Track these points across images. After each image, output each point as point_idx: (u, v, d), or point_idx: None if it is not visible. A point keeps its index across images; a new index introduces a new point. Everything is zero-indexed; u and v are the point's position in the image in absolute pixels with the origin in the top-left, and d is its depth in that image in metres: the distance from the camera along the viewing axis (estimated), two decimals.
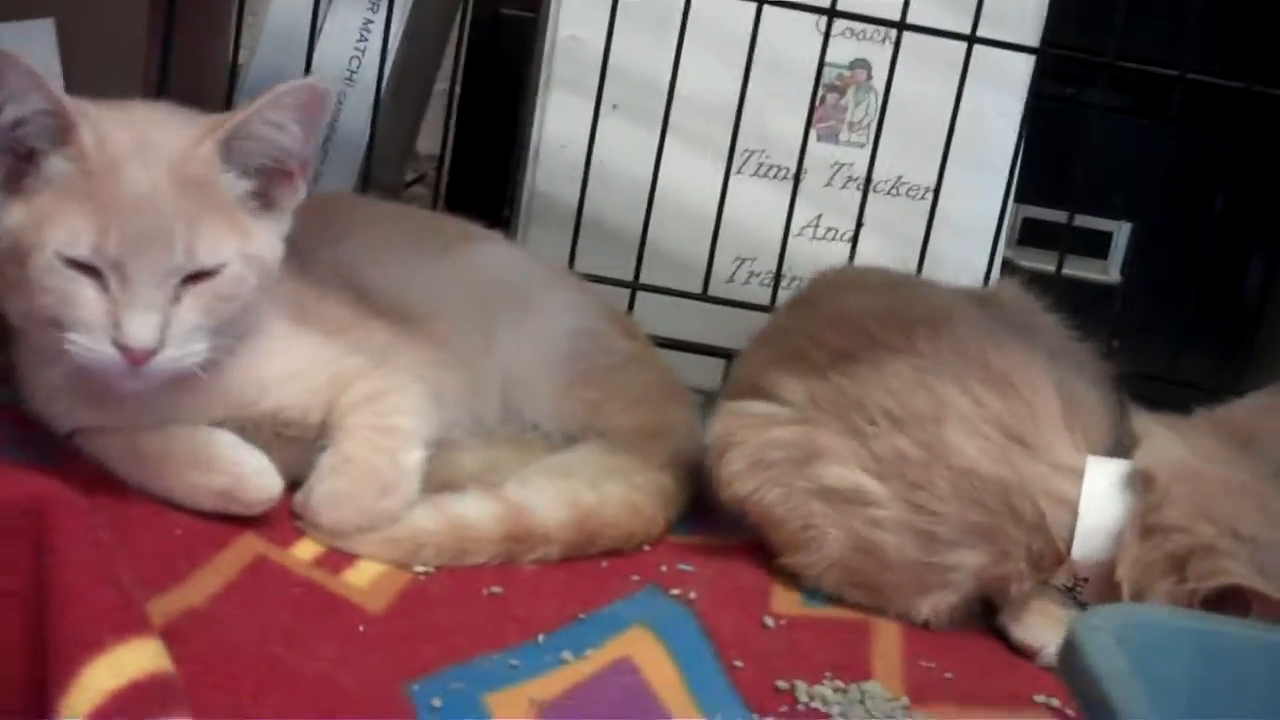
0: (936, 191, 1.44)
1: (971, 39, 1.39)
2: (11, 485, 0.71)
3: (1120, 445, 1.02)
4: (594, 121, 1.41)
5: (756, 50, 1.40)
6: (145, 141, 0.93)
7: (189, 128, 0.96)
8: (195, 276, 0.92)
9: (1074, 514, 0.98)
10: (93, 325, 0.89)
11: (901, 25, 1.39)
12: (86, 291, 0.90)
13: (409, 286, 1.11)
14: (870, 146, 1.45)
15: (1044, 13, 1.49)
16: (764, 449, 1.05)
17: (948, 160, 1.44)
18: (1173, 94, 1.43)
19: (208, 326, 0.92)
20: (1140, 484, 0.97)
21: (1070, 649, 0.67)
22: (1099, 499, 0.98)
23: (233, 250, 0.93)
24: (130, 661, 0.66)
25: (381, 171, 1.60)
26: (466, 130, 1.66)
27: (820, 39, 1.41)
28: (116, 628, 0.67)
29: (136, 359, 0.89)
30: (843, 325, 1.07)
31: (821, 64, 1.41)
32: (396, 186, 1.73)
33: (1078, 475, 0.98)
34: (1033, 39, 1.48)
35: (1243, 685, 0.73)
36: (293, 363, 0.99)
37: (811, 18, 1.42)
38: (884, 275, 1.23)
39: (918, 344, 1.04)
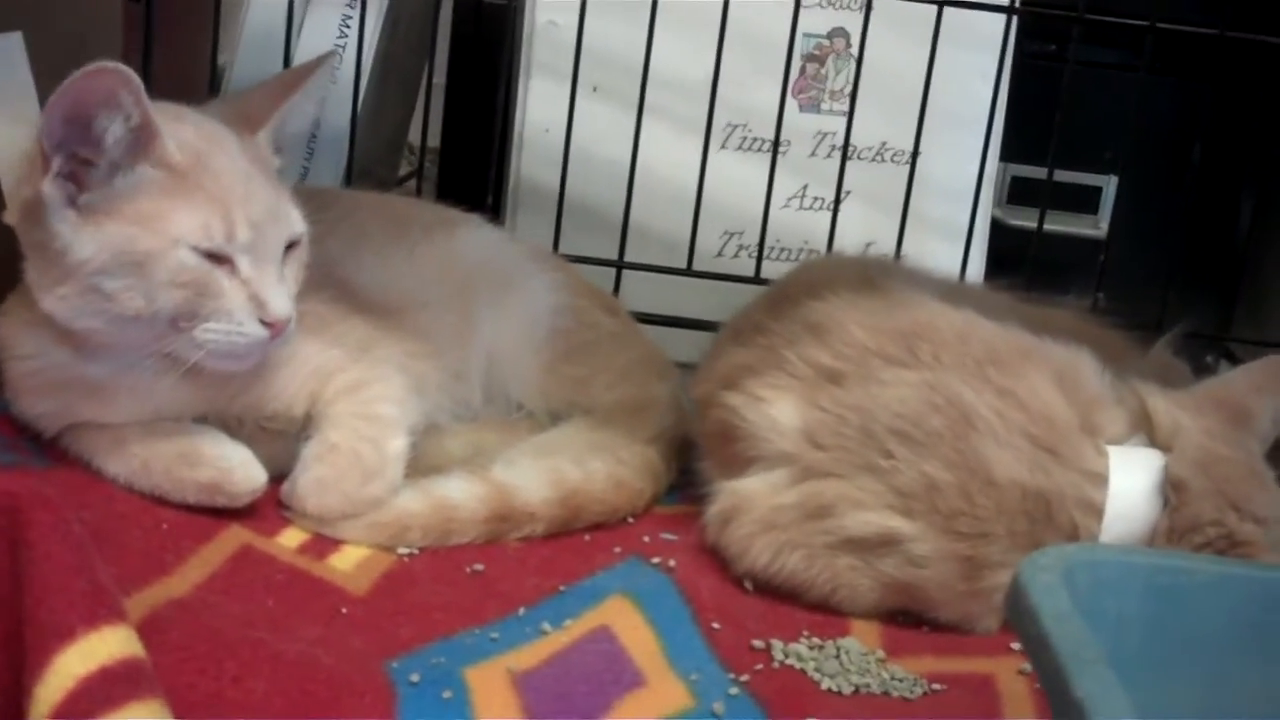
0: (914, 156, 1.45)
1: (942, 1, 1.40)
2: None
3: (1138, 429, 0.99)
4: (571, 104, 1.42)
5: (735, 25, 1.41)
6: (212, 136, 0.98)
7: (221, 118, 1.01)
8: (289, 247, 0.98)
9: (1101, 522, 0.94)
10: (235, 309, 0.94)
11: None
12: (223, 280, 0.94)
13: (388, 277, 1.13)
14: (847, 115, 1.45)
15: None
16: (772, 513, 0.98)
17: (931, 124, 1.44)
18: (1144, 44, 1.43)
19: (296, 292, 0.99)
20: (1171, 489, 0.94)
21: (1015, 589, 0.68)
22: (1127, 504, 0.94)
23: (303, 220, 1.00)
24: (100, 648, 0.68)
25: (374, 166, 1.61)
26: (456, 121, 1.67)
27: (793, 9, 1.42)
28: (87, 616, 0.69)
29: (279, 329, 0.95)
30: (826, 337, 1.01)
31: (794, 35, 1.42)
32: (390, 180, 1.75)
33: (1104, 481, 0.95)
34: None
35: (1200, 620, 0.73)
36: (275, 357, 1.01)
37: None
38: (858, 268, 1.15)
39: (918, 355, 0.98)
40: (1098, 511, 0.94)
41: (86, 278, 0.92)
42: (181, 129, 0.96)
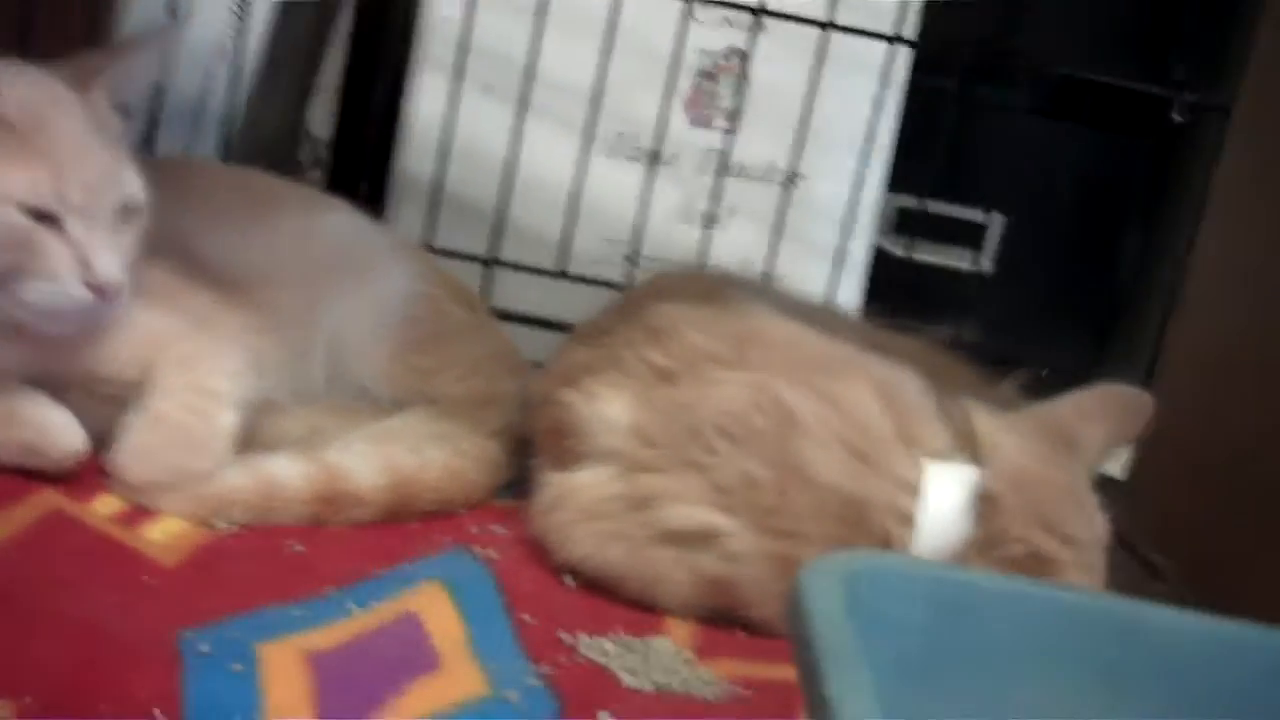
0: (790, 176, 1.46)
1: (827, 25, 1.41)
2: None
3: (960, 446, 0.99)
4: (452, 98, 1.42)
5: (633, 36, 1.42)
6: (52, 94, 0.96)
7: (65, 78, 0.98)
8: (125, 215, 0.97)
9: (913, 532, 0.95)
10: (61, 270, 0.92)
11: (759, 10, 1.41)
12: (49, 240, 0.92)
13: (240, 251, 1.12)
14: (738, 133, 1.46)
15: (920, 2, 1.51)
16: (596, 504, 0.98)
17: (821, 149, 1.47)
18: (1022, 85, 1.45)
19: (132, 260, 0.97)
20: (982, 503, 0.94)
21: (793, 589, 0.67)
22: (940, 517, 0.95)
23: (144, 187, 0.99)
24: None
25: (269, 149, 1.60)
26: (351, 112, 1.66)
27: (690, 24, 1.43)
28: None
29: (109, 295, 0.93)
30: (663, 339, 1.01)
31: (679, 49, 1.43)
32: (289, 168, 1.74)
33: (918, 492, 0.95)
34: (914, 32, 1.49)
35: (983, 634, 0.74)
36: (109, 323, 0.99)
37: (678, 3, 1.44)
38: (709, 281, 1.17)
39: (747, 358, 0.99)
40: (910, 521, 0.94)
41: None
42: (19, 84, 0.94)
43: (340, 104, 1.67)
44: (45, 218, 0.92)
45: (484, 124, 1.47)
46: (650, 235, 1.48)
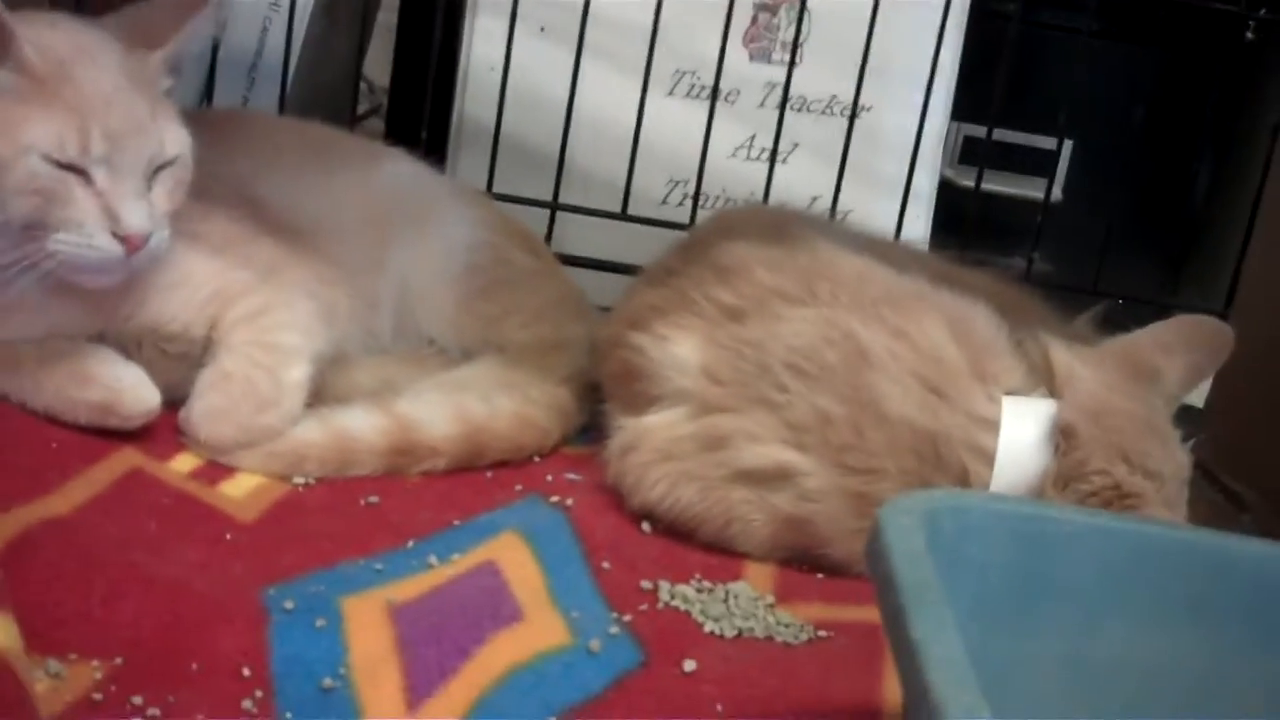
0: (854, 109, 1.43)
1: None
2: None
3: (1035, 380, 0.98)
4: (509, 42, 1.40)
5: None
6: (83, 46, 0.96)
7: (119, 30, 0.99)
8: (160, 167, 0.96)
9: (992, 467, 0.94)
10: (87, 221, 0.92)
11: None
12: (76, 190, 0.92)
13: (303, 203, 1.12)
14: (799, 66, 1.44)
15: None
16: (669, 444, 0.98)
17: (885, 80, 1.44)
18: (1088, 6, 1.42)
19: (169, 212, 0.97)
20: (1060, 435, 0.94)
21: (874, 529, 0.67)
22: (1018, 451, 0.94)
23: (185, 141, 0.98)
24: None
25: (326, 100, 1.59)
26: (406, 58, 1.66)
27: None
28: None
29: (135, 245, 0.93)
30: (731, 278, 1.01)
31: None
32: (345, 118, 1.73)
33: (995, 427, 0.94)
34: None
35: (1066, 570, 0.73)
36: (172, 275, 1.00)
37: None
38: (774, 217, 1.16)
39: (816, 294, 0.98)
40: (988, 457, 0.94)
41: None
42: (49, 36, 0.94)
43: (396, 51, 1.66)
44: (72, 168, 0.92)
45: (540, 66, 1.46)
46: (711, 173, 1.46)
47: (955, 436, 0.94)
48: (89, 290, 0.96)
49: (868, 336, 0.95)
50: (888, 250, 1.12)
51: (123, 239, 0.93)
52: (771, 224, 1.08)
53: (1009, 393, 0.97)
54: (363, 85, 1.85)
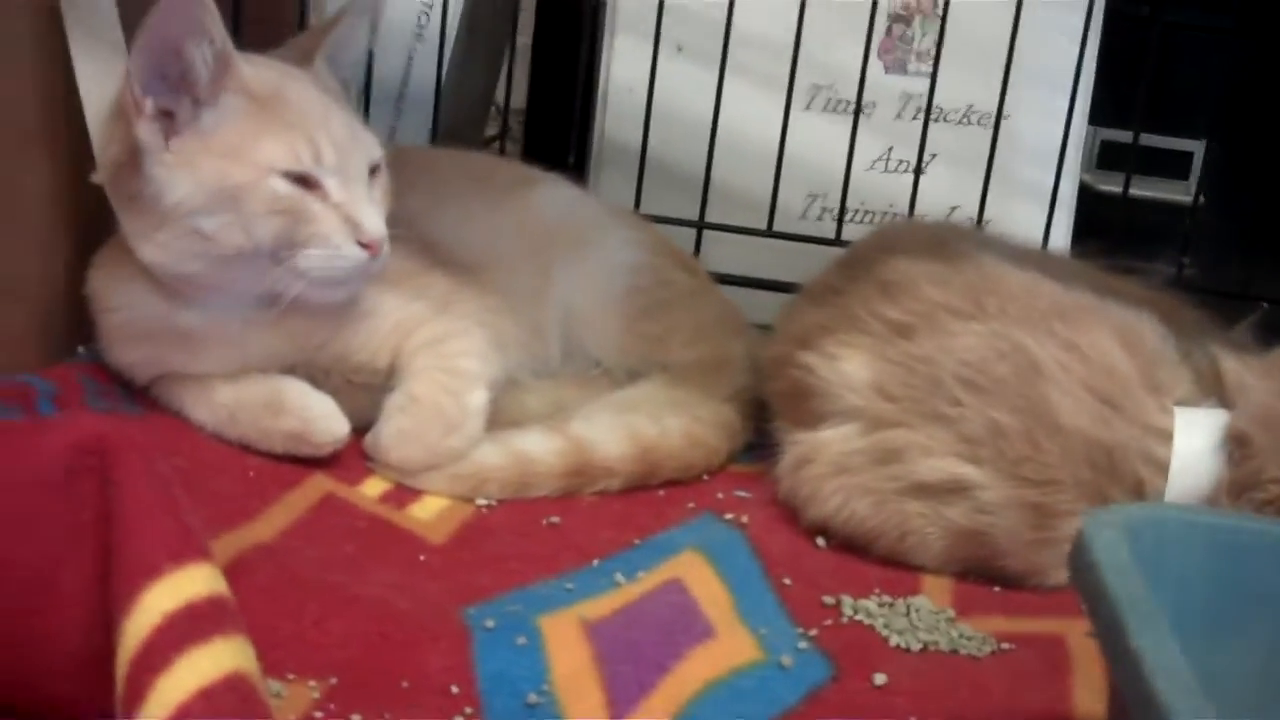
0: (998, 118, 1.43)
1: None
2: (77, 426, 0.75)
3: (1206, 390, 0.99)
4: (653, 62, 1.43)
5: None
6: (279, 68, 1.01)
7: (287, 57, 1.04)
8: (372, 170, 1.01)
9: (1167, 478, 0.95)
10: (332, 233, 0.96)
11: None
12: (315, 205, 0.96)
13: (468, 233, 1.15)
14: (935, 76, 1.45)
15: None
16: (843, 458, 1.00)
17: (1019, 86, 1.43)
18: (1223, 5, 1.41)
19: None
20: (1234, 444, 0.94)
21: (1077, 545, 0.68)
22: (1192, 461, 0.95)
23: (380, 146, 1.03)
24: (186, 585, 0.70)
25: (462, 126, 1.63)
26: (542, 81, 1.69)
27: None
28: (174, 554, 0.71)
29: (376, 249, 0.97)
30: (897, 294, 1.03)
31: None
32: (479, 142, 1.77)
33: (1169, 437, 0.95)
34: None
35: (1263, 581, 0.73)
36: (361, 306, 1.04)
37: None
38: (933, 232, 1.17)
39: (985, 308, 0.99)
40: (1162, 467, 0.94)
41: (185, 219, 0.95)
42: (251, 62, 0.99)
43: (532, 73, 1.70)
44: (307, 184, 0.96)
45: (678, 85, 1.48)
46: (849, 185, 1.47)
47: (1130, 447, 0.95)
48: (290, 322, 0.99)
49: (1039, 349, 0.96)
50: (1044, 261, 1.13)
51: (365, 245, 0.97)
52: (932, 239, 1.09)
53: (1178, 403, 0.97)
54: (491, 108, 1.90)
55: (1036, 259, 1.11)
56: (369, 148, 1.01)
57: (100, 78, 1.02)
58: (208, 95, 0.95)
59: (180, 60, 0.94)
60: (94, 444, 0.75)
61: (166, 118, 0.95)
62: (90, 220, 1.04)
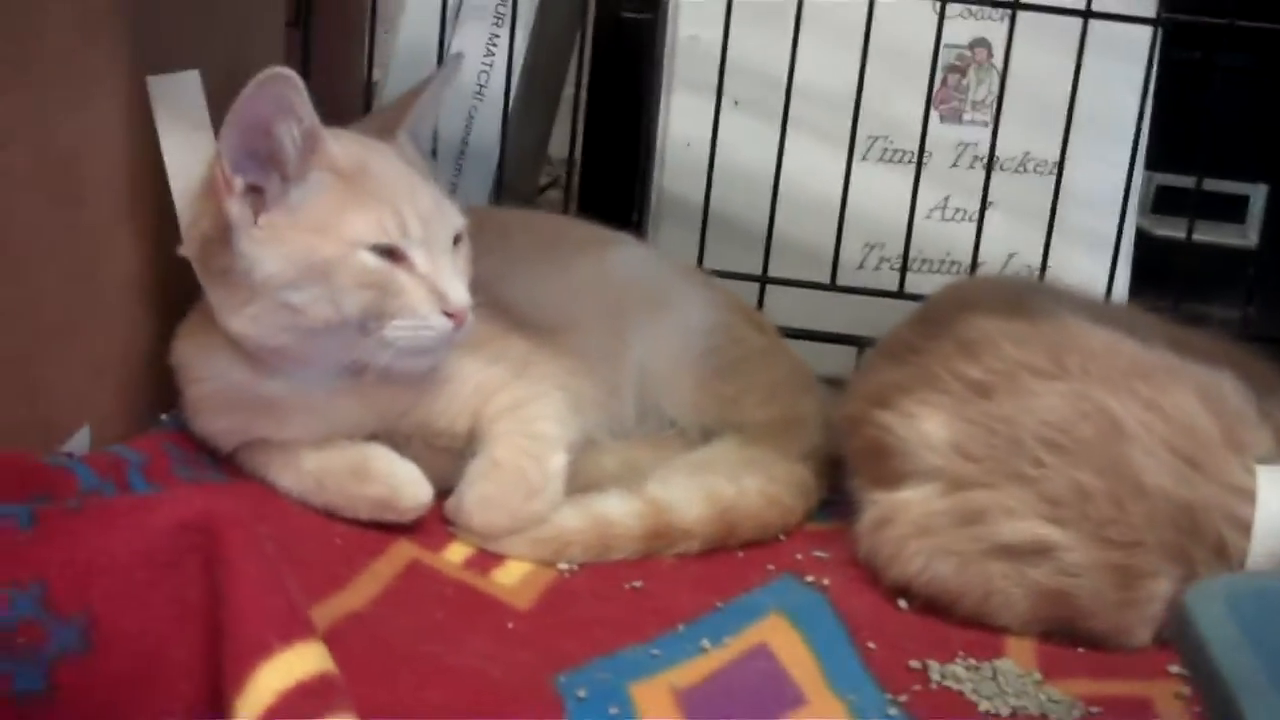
0: (1060, 167, 1.44)
1: (1087, 14, 1.39)
2: (185, 504, 0.77)
3: None
4: (715, 118, 1.44)
5: (876, 37, 1.41)
6: (363, 142, 1.03)
7: (369, 130, 1.06)
8: (455, 239, 1.02)
9: (1250, 537, 0.95)
10: (420, 303, 0.98)
11: (1016, 5, 1.40)
12: (402, 277, 0.98)
13: (542, 296, 1.16)
14: (989, 125, 1.46)
15: None
16: (924, 519, 1.00)
17: (1074, 134, 1.44)
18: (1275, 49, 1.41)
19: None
20: None
21: (1180, 618, 0.68)
22: (1276, 520, 0.95)
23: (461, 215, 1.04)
24: (296, 664, 0.72)
25: (517, 180, 1.65)
26: (595, 133, 1.70)
27: (937, 21, 1.42)
28: (283, 633, 0.73)
29: (461, 319, 0.99)
30: (977, 352, 1.03)
31: (937, 48, 1.42)
32: (531, 193, 1.79)
33: (1251, 497, 0.95)
34: (1150, 8, 1.47)
35: None
36: (443, 372, 1.05)
37: (927, 1, 1.44)
38: (1010, 287, 1.18)
39: (1066, 367, 1.00)
40: (1245, 526, 0.95)
41: (274, 294, 0.96)
42: (337, 138, 1.00)
43: (587, 127, 1.71)
44: (394, 256, 0.97)
45: (735, 139, 1.49)
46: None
47: (1212, 507, 0.95)
48: (374, 390, 1.00)
49: (1121, 409, 0.97)
50: (1119, 316, 1.13)
51: (450, 314, 0.98)
52: (1010, 295, 1.09)
53: (1260, 461, 0.98)
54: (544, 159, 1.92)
55: (1112, 314, 1.12)
56: (452, 217, 1.02)
57: (186, 156, 1.04)
58: (296, 172, 0.97)
59: (269, 139, 0.96)
60: (201, 522, 0.77)
61: (256, 194, 0.97)
62: (173, 293, 1.05)
